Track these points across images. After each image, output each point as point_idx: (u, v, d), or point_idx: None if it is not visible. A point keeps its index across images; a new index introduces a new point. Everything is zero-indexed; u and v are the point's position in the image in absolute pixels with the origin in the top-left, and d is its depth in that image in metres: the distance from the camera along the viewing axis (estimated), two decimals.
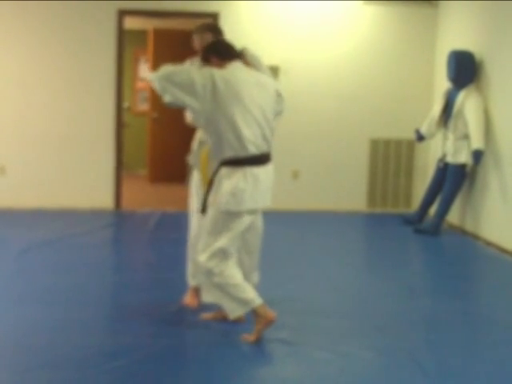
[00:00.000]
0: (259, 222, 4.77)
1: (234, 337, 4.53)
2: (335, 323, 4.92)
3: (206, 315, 4.89)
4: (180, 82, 4.24)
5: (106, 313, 5.17)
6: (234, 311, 4.48)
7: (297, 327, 4.67)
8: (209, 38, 4.81)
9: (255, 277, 4.88)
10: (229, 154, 4.34)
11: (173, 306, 5.13)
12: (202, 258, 4.41)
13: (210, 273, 4.39)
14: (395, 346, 4.52)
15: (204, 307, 5.01)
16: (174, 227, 8.05)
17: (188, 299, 5.18)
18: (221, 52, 4.48)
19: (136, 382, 3.90)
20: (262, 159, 4.42)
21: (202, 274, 4.51)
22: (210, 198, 4.44)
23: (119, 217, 8.82)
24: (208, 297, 4.70)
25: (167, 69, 4.31)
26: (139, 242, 7.66)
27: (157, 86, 4.30)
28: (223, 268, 4.39)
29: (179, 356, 4.31)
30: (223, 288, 4.42)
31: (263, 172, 4.42)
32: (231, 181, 4.33)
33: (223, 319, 4.73)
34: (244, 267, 4.69)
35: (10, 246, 6.85)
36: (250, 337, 4.48)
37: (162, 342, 4.46)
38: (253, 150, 4.34)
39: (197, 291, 5.18)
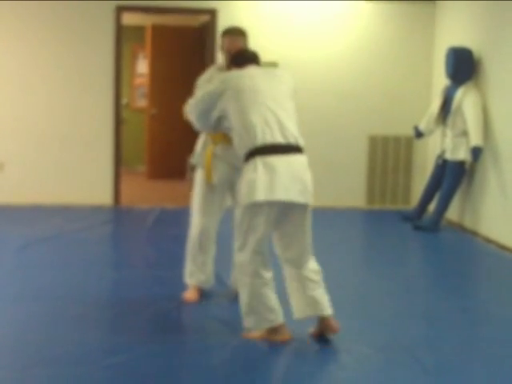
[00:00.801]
0: (300, 216, 4.47)
1: (235, 334, 4.53)
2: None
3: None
4: (205, 99, 4.54)
5: (105, 309, 5.15)
6: (249, 323, 4.44)
7: (296, 324, 4.67)
8: (241, 41, 4.95)
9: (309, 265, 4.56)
10: (246, 147, 4.32)
11: (172, 303, 5.13)
12: (239, 258, 4.40)
13: (246, 274, 4.35)
14: (394, 342, 4.52)
15: (205, 304, 5.01)
16: (172, 223, 8.05)
17: (188, 294, 5.18)
18: (239, 62, 4.65)
19: (135, 378, 3.90)
20: (281, 149, 4.26)
21: (238, 272, 4.48)
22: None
23: (118, 213, 8.81)
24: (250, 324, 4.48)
25: (190, 104, 4.70)
26: (138, 238, 7.66)
27: (193, 117, 4.70)
28: (258, 284, 4.34)
29: (178, 353, 4.31)
30: (250, 299, 4.36)
31: (284, 162, 4.25)
32: (245, 175, 4.30)
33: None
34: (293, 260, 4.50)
35: (9, 242, 6.85)
36: (253, 334, 4.46)
37: (162, 338, 4.46)
38: (265, 138, 4.23)
39: (197, 289, 5.19)
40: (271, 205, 4.25)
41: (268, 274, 4.39)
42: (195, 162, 5.12)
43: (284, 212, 4.36)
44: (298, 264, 4.48)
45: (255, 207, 4.24)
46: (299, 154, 4.37)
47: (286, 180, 4.24)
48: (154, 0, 8.91)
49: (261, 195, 4.19)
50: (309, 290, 4.43)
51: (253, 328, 4.44)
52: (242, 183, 4.32)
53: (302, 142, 4.39)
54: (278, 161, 4.24)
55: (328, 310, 4.45)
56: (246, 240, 4.33)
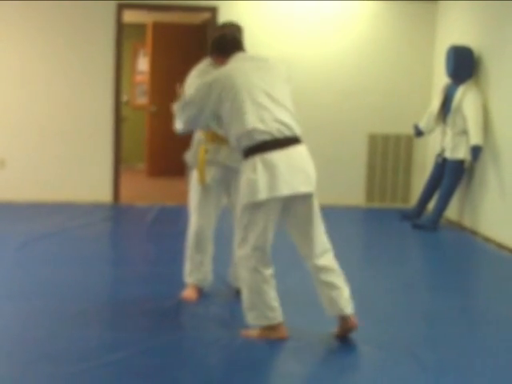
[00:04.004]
0: (305, 207, 4.38)
1: (234, 333, 4.53)
2: (333, 318, 4.93)
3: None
4: (193, 102, 4.42)
5: (105, 306, 5.16)
6: (251, 319, 4.44)
7: (295, 322, 4.67)
8: None
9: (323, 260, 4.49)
10: (243, 146, 4.29)
11: (172, 300, 5.13)
12: (239, 253, 4.39)
13: (247, 270, 4.35)
14: (393, 341, 4.53)
15: (204, 302, 5.02)
16: (172, 221, 8.06)
17: (187, 292, 5.18)
18: (220, 50, 4.54)
19: (135, 375, 3.91)
20: (277, 144, 4.23)
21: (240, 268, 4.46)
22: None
23: (118, 210, 8.82)
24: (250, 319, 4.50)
25: (180, 104, 4.52)
26: (138, 235, 7.67)
27: (180, 123, 4.58)
28: (259, 280, 4.33)
29: (178, 350, 4.31)
30: (251, 295, 4.37)
31: (283, 156, 4.23)
32: (245, 174, 4.28)
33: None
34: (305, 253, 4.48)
35: (9, 239, 6.86)
36: (251, 333, 4.47)
37: (161, 335, 4.46)
38: (262, 136, 4.21)
39: (196, 287, 5.20)
40: (274, 201, 4.25)
41: (268, 272, 4.38)
42: (190, 161, 5.11)
43: (288, 206, 4.35)
44: (312, 258, 4.42)
45: (256, 204, 4.24)
46: (298, 145, 4.34)
47: (287, 173, 4.22)
48: None
49: (262, 194, 4.19)
50: (325, 292, 4.43)
51: (253, 324, 4.45)
52: (243, 182, 4.31)
53: (299, 131, 4.36)
54: (277, 156, 4.22)
55: (347, 309, 4.40)
56: (246, 236, 4.32)
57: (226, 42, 4.54)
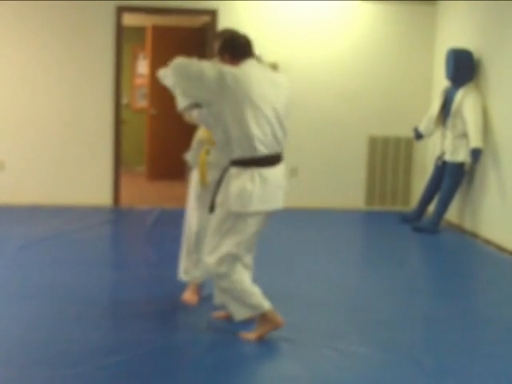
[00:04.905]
0: (266, 221, 4.57)
1: (233, 334, 4.53)
2: (334, 320, 4.93)
3: (218, 314, 4.84)
4: (190, 75, 4.20)
5: (105, 309, 5.16)
6: (240, 314, 4.47)
7: (295, 324, 4.67)
8: (216, 46, 4.59)
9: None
10: (238, 153, 4.28)
11: (172, 303, 5.13)
12: (210, 260, 4.36)
13: (217, 276, 4.37)
14: (394, 344, 4.53)
15: (204, 305, 5.02)
16: (172, 224, 8.01)
17: (187, 296, 5.19)
18: (233, 50, 4.41)
19: (134, 377, 3.91)
20: (272, 160, 4.34)
21: (212, 277, 4.47)
22: (219, 198, 4.39)
23: (118, 213, 8.81)
24: (220, 298, 4.62)
25: (179, 60, 4.28)
26: (138, 238, 7.66)
27: (169, 80, 4.31)
28: (231, 273, 4.35)
29: (177, 353, 4.31)
30: (230, 292, 4.40)
31: (273, 173, 4.34)
32: (238, 182, 4.26)
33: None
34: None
35: (9, 242, 6.85)
36: (250, 335, 4.47)
37: (161, 338, 4.46)
38: (262, 150, 4.25)
39: (196, 288, 5.20)
40: (261, 214, 4.37)
41: (239, 265, 4.42)
42: (190, 161, 5.10)
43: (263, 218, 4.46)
44: (250, 267, 4.67)
45: (246, 214, 4.30)
46: (281, 162, 4.46)
47: (273, 190, 4.36)
48: (155, 0, 8.92)
49: (255, 206, 4.28)
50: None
51: (245, 317, 4.46)
52: (235, 189, 4.27)
53: (283, 149, 4.46)
54: (269, 172, 4.33)
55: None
56: (221, 243, 4.34)
57: (240, 44, 4.44)
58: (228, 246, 4.32)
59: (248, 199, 4.24)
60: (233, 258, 4.35)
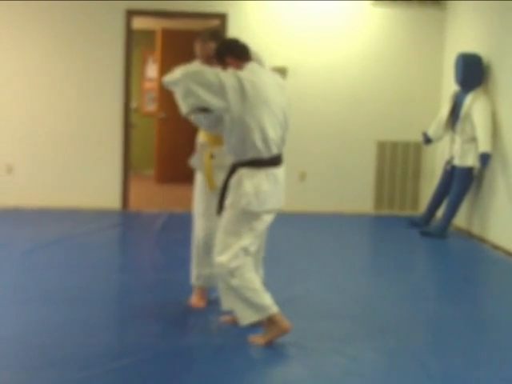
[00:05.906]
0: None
1: (241, 339, 4.53)
2: (341, 325, 4.92)
3: (226, 318, 4.83)
4: (206, 82, 4.20)
5: (112, 312, 5.17)
6: (247, 317, 4.44)
7: (303, 329, 4.67)
8: (212, 47, 4.62)
9: (261, 273, 4.85)
10: (252, 154, 4.33)
11: (179, 307, 5.13)
12: (222, 259, 4.35)
13: (230, 274, 4.34)
14: (400, 348, 4.52)
15: (212, 309, 5.02)
16: (180, 228, 8.04)
17: (194, 300, 5.18)
18: (237, 52, 4.42)
19: (142, 381, 3.91)
20: (278, 160, 4.46)
21: (220, 277, 4.44)
22: (228, 199, 4.41)
23: (126, 217, 8.83)
24: (228, 303, 4.58)
25: (191, 68, 4.34)
26: (146, 242, 7.67)
27: (180, 87, 4.30)
28: (244, 270, 4.36)
29: (185, 357, 4.31)
30: (240, 291, 4.37)
31: (279, 172, 4.47)
32: (253, 181, 4.32)
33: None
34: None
35: (17, 245, 6.87)
36: (258, 339, 4.46)
37: (168, 342, 4.46)
38: (275, 150, 4.39)
39: (203, 292, 5.19)
40: (273, 211, 4.49)
41: (249, 267, 4.43)
42: (195, 165, 5.08)
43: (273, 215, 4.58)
44: (257, 266, 4.75)
45: (259, 213, 4.37)
46: (283, 163, 4.57)
47: (280, 188, 4.50)
48: (165, 3, 8.93)
49: (271, 204, 4.41)
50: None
51: (253, 321, 4.43)
52: (250, 189, 4.31)
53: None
54: (278, 171, 4.46)
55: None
56: (234, 242, 4.35)
57: (242, 45, 4.47)
58: (243, 242, 4.35)
59: (264, 198, 4.35)
60: (245, 253, 4.36)
